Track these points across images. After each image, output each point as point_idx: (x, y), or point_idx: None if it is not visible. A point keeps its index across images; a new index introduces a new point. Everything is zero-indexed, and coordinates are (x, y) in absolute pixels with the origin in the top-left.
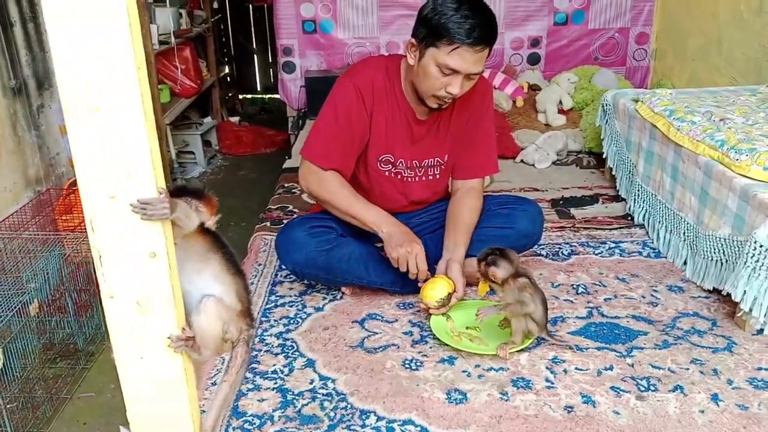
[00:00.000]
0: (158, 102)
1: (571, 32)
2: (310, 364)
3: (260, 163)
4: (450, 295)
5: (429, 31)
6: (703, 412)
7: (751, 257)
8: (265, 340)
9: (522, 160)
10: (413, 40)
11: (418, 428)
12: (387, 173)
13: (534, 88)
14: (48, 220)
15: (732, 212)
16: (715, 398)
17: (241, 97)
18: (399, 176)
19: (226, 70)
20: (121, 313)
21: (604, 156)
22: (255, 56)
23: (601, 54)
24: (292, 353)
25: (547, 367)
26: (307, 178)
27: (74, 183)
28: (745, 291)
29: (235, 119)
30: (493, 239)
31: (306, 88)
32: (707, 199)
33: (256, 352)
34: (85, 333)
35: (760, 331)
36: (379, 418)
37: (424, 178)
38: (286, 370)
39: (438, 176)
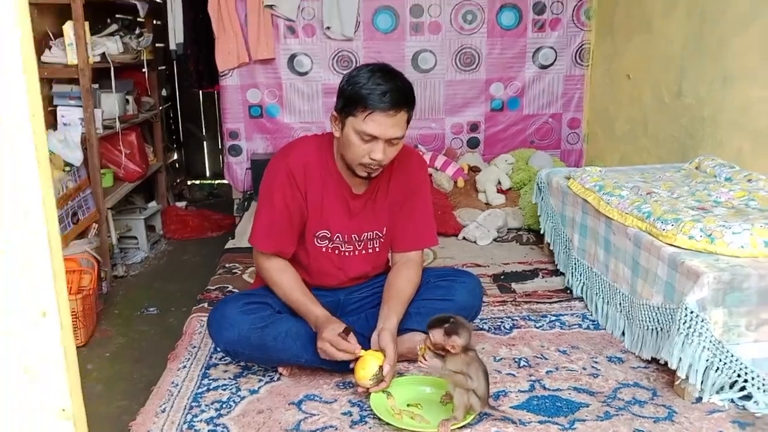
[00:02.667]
0: (99, 186)
1: (508, 118)
2: None
3: (205, 247)
4: (381, 367)
5: (346, 102)
6: None
7: (683, 324)
8: (194, 426)
9: (464, 237)
10: (335, 113)
11: None
12: (324, 249)
13: (474, 170)
14: None
15: (662, 280)
16: None
17: (189, 182)
18: (336, 251)
19: (175, 156)
20: (4, 381)
21: (541, 232)
22: (204, 142)
23: (537, 138)
24: None
25: None
26: (255, 261)
27: None
28: (680, 358)
29: (181, 204)
30: (433, 311)
31: (252, 171)
32: (639, 269)
33: None
34: None
35: (699, 399)
36: None
37: (363, 251)
38: None
39: (377, 249)
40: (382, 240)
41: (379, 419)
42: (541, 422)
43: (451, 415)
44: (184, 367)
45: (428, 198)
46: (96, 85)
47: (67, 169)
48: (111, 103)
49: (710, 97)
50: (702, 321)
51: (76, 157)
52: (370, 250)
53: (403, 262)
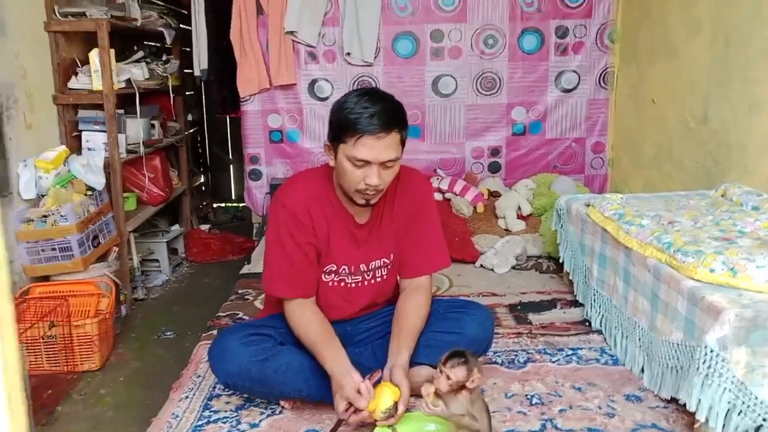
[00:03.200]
0: (121, 210)
1: (530, 142)
2: None
3: (226, 270)
4: (396, 403)
5: (335, 129)
6: None
7: (703, 363)
8: None
9: (482, 265)
10: (327, 143)
11: None
12: (330, 283)
13: (494, 195)
14: None
15: (682, 316)
16: None
17: (215, 205)
18: (342, 284)
19: (202, 179)
20: None
21: (560, 261)
22: (230, 165)
23: (559, 162)
24: None
25: None
26: (284, 309)
27: (26, 292)
28: (699, 399)
29: (205, 227)
30: (442, 344)
31: (270, 195)
32: (658, 303)
33: None
34: None
35: None
36: None
37: (372, 281)
38: None
39: (385, 277)
40: (389, 267)
41: None
42: None
43: None
44: (187, 397)
45: (435, 218)
46: (121, 111)
47: (89, 193)
48: (136, 128)
49: (736, 124)
50: (723, 360)
51: (99, 181)
52: (379, 279)
53: (412, 288)
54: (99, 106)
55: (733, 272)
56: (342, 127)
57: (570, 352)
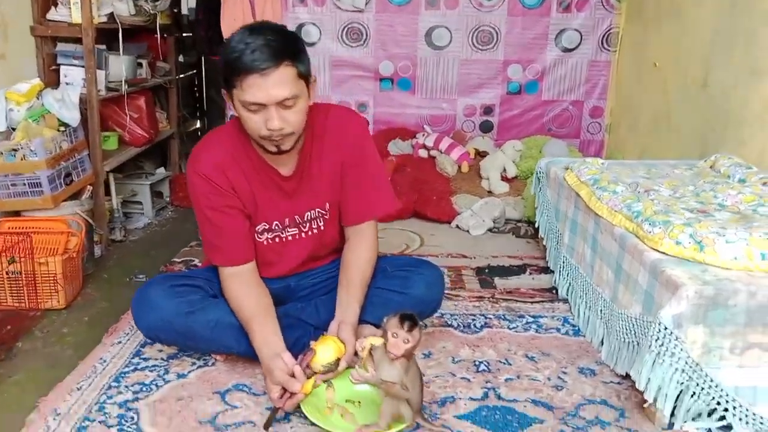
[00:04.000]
0: (98, 148)
1: (525, 102)
2: None
3: None
4: (339, 360)
5: (225, 76)
6: None
7: (656, 341)
8: (104, 409)
9: (457, 226)
10: (223, 92)
11: None
12: (266, 242)
13: (482, 155)
14: None
15: (642, 289)
16: None
17: None
18: (278, 239)
19: (198, 124)
20: None
21: (536, 225)
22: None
23: (554, 125)
24: (128, 427)
25: None
26: (220, 278)
27: None
28: (649, 379)
29: None
30: (387, 303)
31: None
32: (621, 274)
33: (88, 423)
34: None
35: (671, 426)
36: None
37: (309, 233)
38: None
39: (322, 228)
40: (326, 217)
41: (305, 416)
42: None
43: (375, 422)
44: (119, 342)
45: (375, 159)
46: (103, 47)
47: (63, 129)
48: (119, 66)
49: (736, 90)
50: (676, 339)
51: (73, 117)
52: (315, 230)
53: (356, 235)
54: (79, 40)
55: (700, 246)
56: (228, 70)
57: (531, 319)
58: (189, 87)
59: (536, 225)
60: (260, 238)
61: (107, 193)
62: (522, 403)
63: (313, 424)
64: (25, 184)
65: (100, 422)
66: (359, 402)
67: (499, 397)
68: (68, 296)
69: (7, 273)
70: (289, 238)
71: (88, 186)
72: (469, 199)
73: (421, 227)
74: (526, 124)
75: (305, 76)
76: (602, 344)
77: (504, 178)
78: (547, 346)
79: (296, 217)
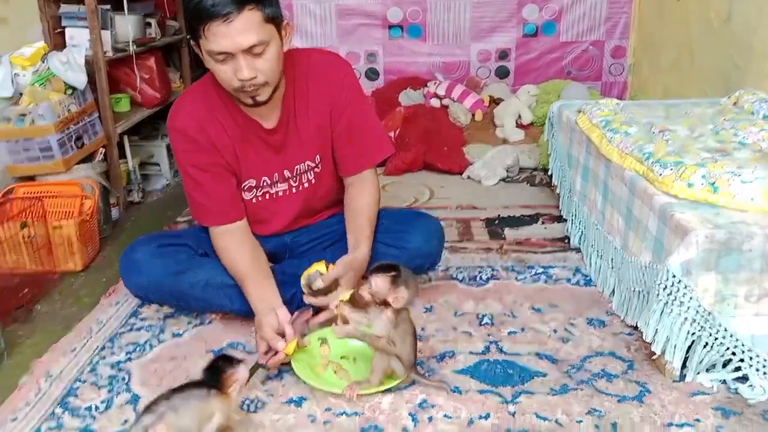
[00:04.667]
0: (108, 110)
1: (542, 45)
2: (134, 400)
3: None
4: (318, 273)
5: (190, 25)
6: None
7: (663, 289)
8: (96, 370)
9: (469, 176)
10: (192, 43)
11: None
12: (254, 200)
13: (497, 102)
14: None
15: (652, 235)
16: None
17: None
18: (267, 195)
19: None
20: None
21: (549, 173)
22: None
23: (574, 68)
24: (118, 387)
25: (409, 413)
26: (211, 239)
27: (10, 191)
28: (656, 330)
29: None
30: (384, 257)
31: None
32: (632, 220)
33: (79, 384)
34: None
35: (683, 377)
36: None
37: (300, 187)
38: (102, 407)
39: (314, 181)
40: (317, 170)
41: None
42: (481, 391)
43: (366, 378)
44: (117, 303)
45: (365, 104)
46: (107, 6)
47: (70, 92)
48: (125, 25)
49: (760, 24)
50: (686, 288)
51: (80, 79)
52: (306, 184)
53: (355, 185)
54: (82, 1)
55: (713, 188)
56: (191, 18)
57: (540, 270)
58: None
59: (549, 172)
60: (248, 196)
61: (123, 155)
62: (525, 356)
63: (302, 381)
64: (35, 149)
65: (91, 383)
66: (354, 358)
67: (501, 351)
68: (85, 259)
69: (23, 237)
70: (280, 193)
71: (101, 149)
72: (481, 148)
73: (431, 179)
74: (544, 67)
75: (274, 20)
76: (613, 294)
77: (519, 125)
78: (556, 297)
79: (285, 171)
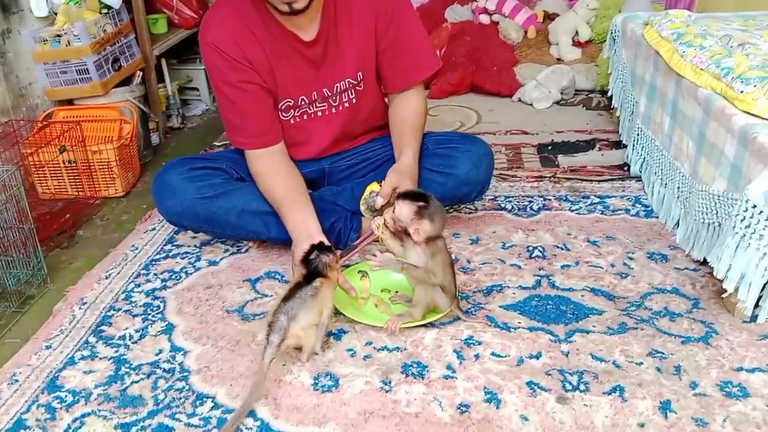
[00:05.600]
0: (145, 31)
1: None
2: (168, 330)
3: None
4: (375, 194)
5: None
6: (643, 425)
7: (741, 221)
8: (131, 297)
9: (520, 99)
10: None
11: (258, 423)
12: (292, 120)
13: (552, 17)
14: (14, 153)
15: (729, 161)
16: (665, 407)
17: None
18: (305, 116)
19: None
20: None
21: (608, 94)
22: None
23: None
24: (152, 316)
25: (454, 350)
26: (247, 162)
27: (50, 115)
28: (730, 265)
29: None
30: (427, 184)
31: None
32: (705, 144)
33: (113, 312)
34: (19, 275)
35: (754, 318)
36: (215, 406)
37: (341, 107)
38: (136, 336)
39: (354, 101)
40: (358, 88)
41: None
42: (531, 329)
43: (407, 311)
44: (153, 229)
45: (413, 18)
46: None
47: (105, 11)
48: None
49: None
50: (767, 219)
51: None
52: (347, 104)
53: (401, 100)
54: None
55: None
56: None
57: (596, 200)
58: None
59: (609, 93)
60: (285, 116)
61: (161, 79)
62: (579, 292)
63: (343, 315)
64: (74, 71)
65: (125, 311)
66: (396, 291)
67: (552, 286)
68: (126, 184)
69: (64, 163)
70: (318, 114)
71: (139, 72)
72: (534, 68)
73: (478, 102)
74: None
75: None
76: (677, 226)
77: (576, 43)
78: (614, 229)
79: (324, 90)
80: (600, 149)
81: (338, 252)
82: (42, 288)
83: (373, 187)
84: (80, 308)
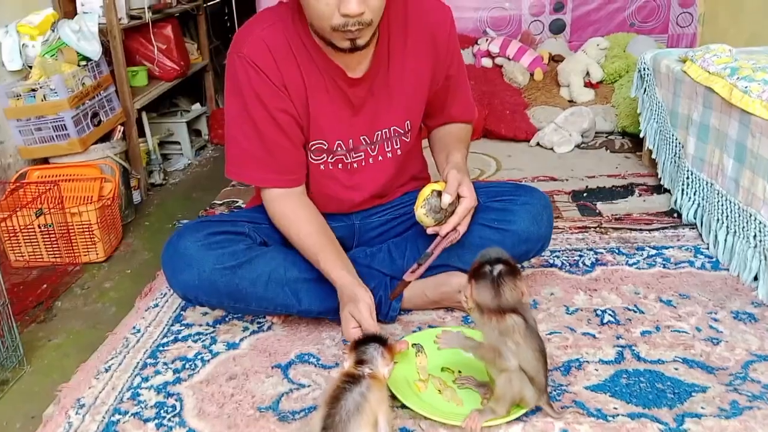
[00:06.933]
0: (126, 84)
1: None
2: None
3: None
4: (436, 193)
5: None
6: None
7: None
8: (138, 396)
9: (538, 143)
10: None
11: None
12: (322, 166)
13: (556, 59)
14: None
15: None
16: None
17: None
18: (340, 165)
19: None
20: None
21: (641, 135)
22: None
23: (638, 19)
24: (168, 420)
25: None
26: (264, 202)
27: (23, 176)
28: None
29: None
30: (481, 243)
31: None
32: None
33: (119, 417)
34: None
35: None
36: None
37: (380, 157)
38: None
39: (399, 152)
40: (404, 138)
41: (392, 395)
42: (632, 415)
43: (488, 406)
44: (156, 305)
45: (462, 61)
46: None
47: (83, 63)
48: None
49: None
50: None
51: (94, 49)
52: (389, 154)
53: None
54: None
55: None
56: None
57: (653, 252)
58: (218, 14)
59: (640, 135)
60: (316, 160)
61: (142, 134)
62: (671, 364)
63: (400, 404)
64: (50, 128)
65: (133, 415)
66: (459, 371)
67: (638, 358)
68: (107, 248)
69: (40, 227)
70: (355, 165)
71: (119, 127)
72: (548, 111)
73: (494, 148)
74: (604, 19)
75: None
76: (756, 279)
77: (588, 84)
78: (684, 285)
79: (363, 137)
80: (640, 194)
81: (414, 265)
82: (17, 371)
83: (434, 186)
84: (77, 413)
